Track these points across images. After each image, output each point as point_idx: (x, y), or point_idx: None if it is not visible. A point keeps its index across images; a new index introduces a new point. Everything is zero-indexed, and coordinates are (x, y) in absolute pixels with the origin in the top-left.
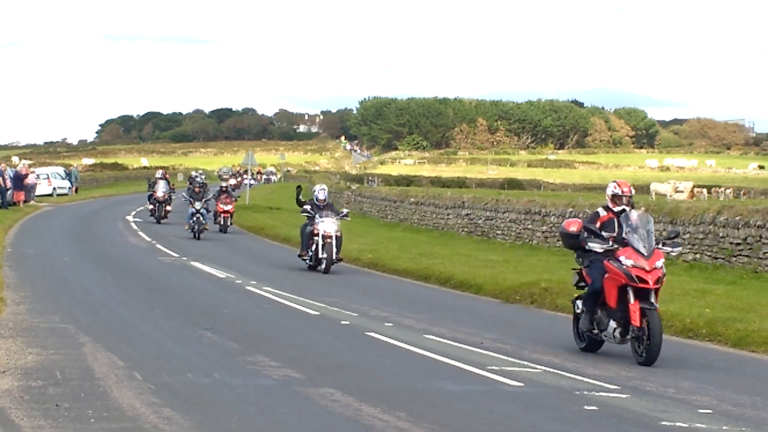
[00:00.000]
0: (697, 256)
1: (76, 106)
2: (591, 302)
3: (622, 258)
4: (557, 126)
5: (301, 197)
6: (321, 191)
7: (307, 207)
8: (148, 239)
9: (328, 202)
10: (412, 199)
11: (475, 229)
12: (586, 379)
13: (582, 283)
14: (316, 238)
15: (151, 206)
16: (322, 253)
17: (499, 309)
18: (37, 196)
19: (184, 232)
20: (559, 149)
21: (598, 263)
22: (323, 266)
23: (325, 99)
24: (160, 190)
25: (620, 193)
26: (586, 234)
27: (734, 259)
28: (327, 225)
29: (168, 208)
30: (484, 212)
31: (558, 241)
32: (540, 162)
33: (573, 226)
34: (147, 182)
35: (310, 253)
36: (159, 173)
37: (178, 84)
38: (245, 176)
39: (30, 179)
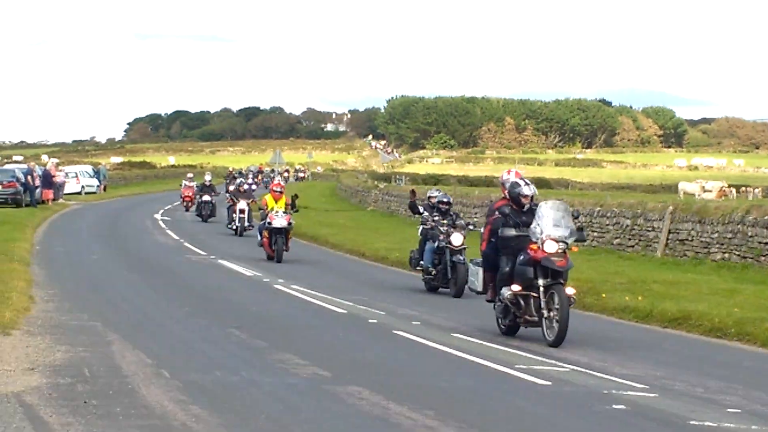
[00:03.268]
0: (726, 255)
1: (104, 104)
2: None
3: None
4: (585, 125)
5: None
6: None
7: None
8: (176, 237)
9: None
10: None
11: None
12: (614, 378)
13: None
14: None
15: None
16: (238, 223)
17: None
18: (65, 194)
19: (223, 229)
20: (587, 148)
21: None
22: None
23: (353, 98)
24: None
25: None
26: None
27: (763, 258)
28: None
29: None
30: None
31: (587, 240)
32: (568, 161)
33: None
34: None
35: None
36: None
37: (206, 82)
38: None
39: (59, 178)
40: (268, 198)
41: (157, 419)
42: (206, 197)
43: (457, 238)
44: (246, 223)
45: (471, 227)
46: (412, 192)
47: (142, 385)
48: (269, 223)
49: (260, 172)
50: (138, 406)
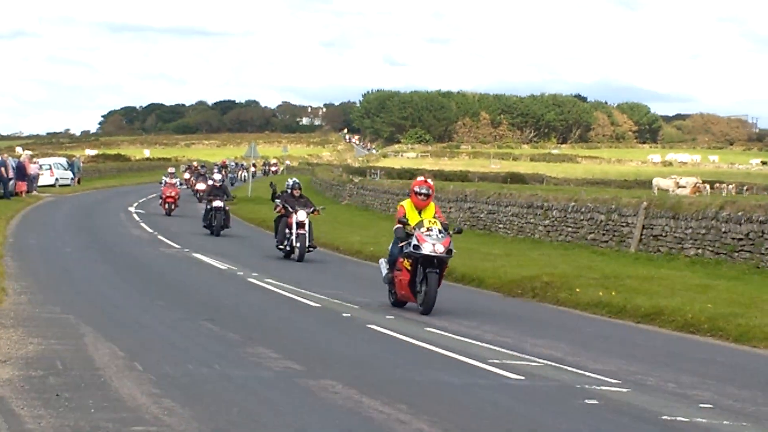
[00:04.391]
0: (699, 251)
1: (79, 97)
2: None
3: None
4: (560, 120)
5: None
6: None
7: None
8: (150, 230)
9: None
10: None
11: (478, 222)
12: (587, 373)
13: None
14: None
15: None
16: (296, 242)
17: (501, 303)
18: (39, 186)
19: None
20: (561, 144)
21: None
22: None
23: (329, 92)
24: None
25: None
26: None
27: (736, 254)
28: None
29: None
30: (486, 206)
31: (560, 235)
32: (543, 156)
33: None
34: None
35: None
36: None
37: (182, 75)
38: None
39: (32, 170)
40: (407, 205)
41: (129, 412)
42: (217, 202)
43: None
44: (307, 243)
45: None
46: None
47: (115, 378)
48: (416, 247)
49: (224, 166)
50: (110, 399)
